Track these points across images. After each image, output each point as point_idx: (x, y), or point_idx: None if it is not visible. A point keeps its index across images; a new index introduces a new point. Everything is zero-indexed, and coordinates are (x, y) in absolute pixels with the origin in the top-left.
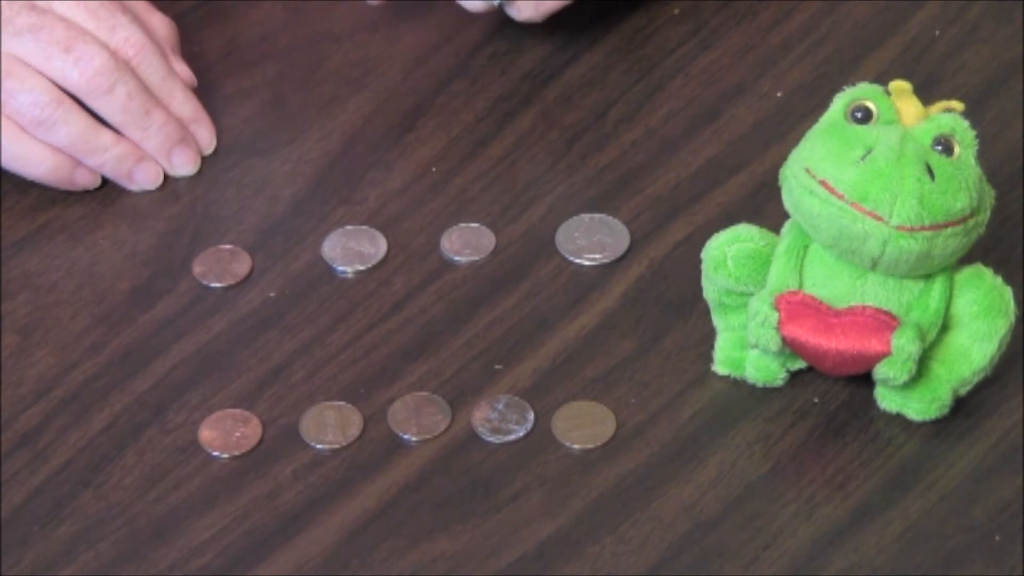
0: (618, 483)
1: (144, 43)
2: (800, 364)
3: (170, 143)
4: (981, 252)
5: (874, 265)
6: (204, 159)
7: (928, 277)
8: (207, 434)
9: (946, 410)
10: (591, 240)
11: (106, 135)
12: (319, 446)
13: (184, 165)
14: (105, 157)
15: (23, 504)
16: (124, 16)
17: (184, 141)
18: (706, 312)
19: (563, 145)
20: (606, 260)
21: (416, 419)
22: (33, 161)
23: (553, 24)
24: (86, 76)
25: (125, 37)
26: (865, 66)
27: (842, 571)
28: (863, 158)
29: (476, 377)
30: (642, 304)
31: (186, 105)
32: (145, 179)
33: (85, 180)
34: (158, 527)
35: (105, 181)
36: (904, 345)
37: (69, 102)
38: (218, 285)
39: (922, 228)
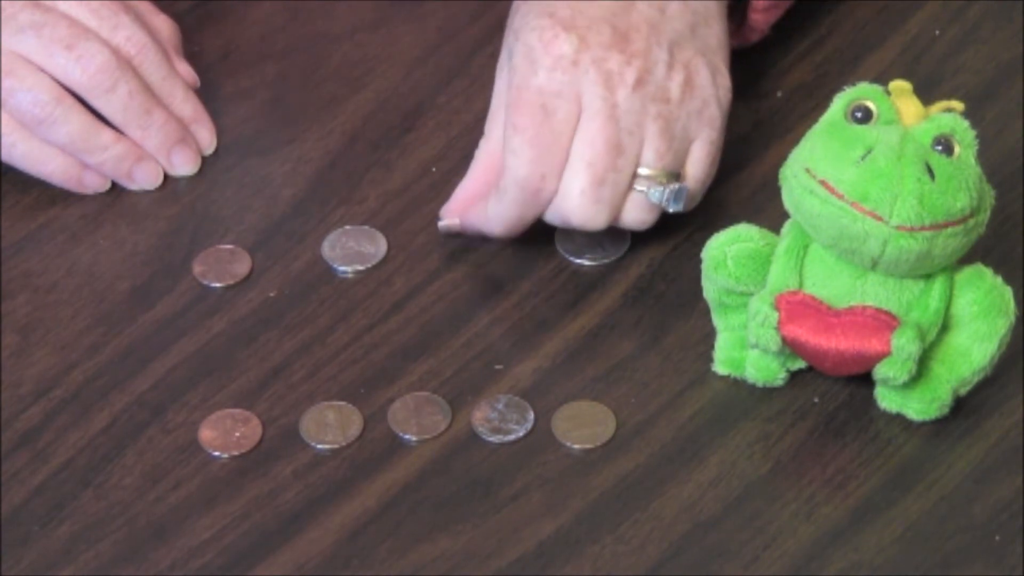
0: (618, 483)
1: (146, 43)
2: (800, 364)
3: (170, 142)
4: (981, 252)
5: (874, 265)
6: (204, 159)
7: (928, 277)
8: (207, 434)
9: (946, 410)
10: (591, 240)
11: (106, 134)
12: (319, 446)
13: (184, 165)
14: (105, 156)
15: (23, 504)
16: (126, 16)
17: (184, 141)
18: (706, 312)
19: None
20: (606, 260)
21: (416, 419)
22: (41, 160)
23: None
24: (88, 74)
25: (127, 36)
26: (865, 66)
27: (842, 571)
28: (863, 158)
29: (476, 377)
30: (642, 304)
31: (187, 105)
32: (145, 178)
33: (94, 182)
34: (158, 527)
35: (105, 180)
36: (904, 345)
37: (69, 100)
38: (218, 285)
39: (922, 228)
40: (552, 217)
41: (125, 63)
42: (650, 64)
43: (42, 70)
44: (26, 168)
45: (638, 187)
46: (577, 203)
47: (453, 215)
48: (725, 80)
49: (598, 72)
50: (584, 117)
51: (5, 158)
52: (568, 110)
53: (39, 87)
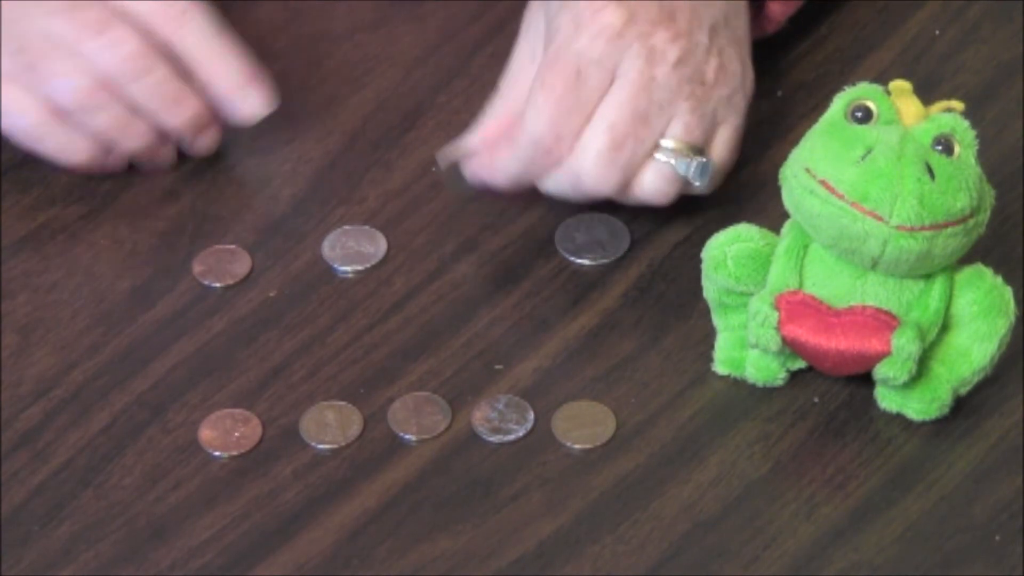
0: (618, 483)
1: (196, 3)
2: (800, 364)
3: (196, 129)
4: (981, 252)
5: (874, 265)
6: (204, 159)
7: (928, 277)
8: (207, 434)
9: (946, 410)
10: (591, 239)
11: (139, 125)
12: (319, 446)
13: (207, 148)
14: (133, 145)
15: (23, 504)
16: None
17: (211, 125)
18: (706, 312)
19: None
20: (606, 260)
21: (416, 419)
22: (70, 150)
23: None
24: (116, 61)
25: None
26: (865, 66)
27: (842, 571)
28: (863, 158)
29: (476, 377)
30: (642, 304)
31: (236, 64)
32: (164, 160)
33: (115, 165)
34: (158, 527)
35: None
36: (904, 345)
37: (105, 91)
38: (218, 285)
39: (922, 228)
40: (562, 181)
41: (156, 49)
42: (692, 45)
43: (78, 54)
44: (51, 155)
45: (663, 156)
46: (592, 163)
47: (472, 173)
48: (751, 72)
49: (642, 46)
50: (616, 85)
51: (30, 143)
52: (601, 79)
53: (77, 74)
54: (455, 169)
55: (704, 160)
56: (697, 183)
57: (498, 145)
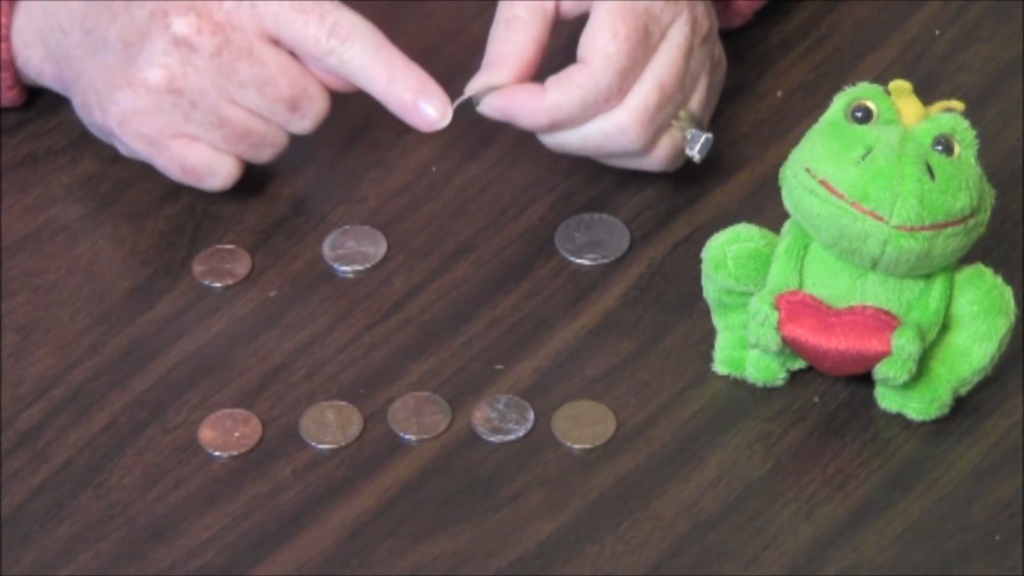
0: (618, 483)
1: (355, 22)
2: (800, 364)
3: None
4: (981, 252)
5: (874, 265)
6: None
7: (928, 277)
8: (207, 434)
9: (946, 410)
10: (591, 239)
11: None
12: (319, 446)
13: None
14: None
15: (23, 504)
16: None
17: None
18: (706, 312)
19: None
20: (606, 260)
21: (416, 419)
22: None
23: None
24: (310, 128)
25: (335, 21)
26: (865, 66)
27: (842, 571)
28: (863, 158)
29: (476, 377)
30: (642, 304)
31: (411, 74)
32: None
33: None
34: (158, 527)
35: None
36: (904, 345)
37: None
38: (218, 285)
39: (922, 228)
40: (595, 133)
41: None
42: (711, 25)
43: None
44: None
45: (680, 125)
46: (636, 118)
47: (497, 105)
48: None
49: (689, 14)
50: (666, 46)
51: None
52: (658, 38)
53: (280, 141)
54: (469, 101)
55: (711, 136)
56: (697, 157)
57: (536, 86)
